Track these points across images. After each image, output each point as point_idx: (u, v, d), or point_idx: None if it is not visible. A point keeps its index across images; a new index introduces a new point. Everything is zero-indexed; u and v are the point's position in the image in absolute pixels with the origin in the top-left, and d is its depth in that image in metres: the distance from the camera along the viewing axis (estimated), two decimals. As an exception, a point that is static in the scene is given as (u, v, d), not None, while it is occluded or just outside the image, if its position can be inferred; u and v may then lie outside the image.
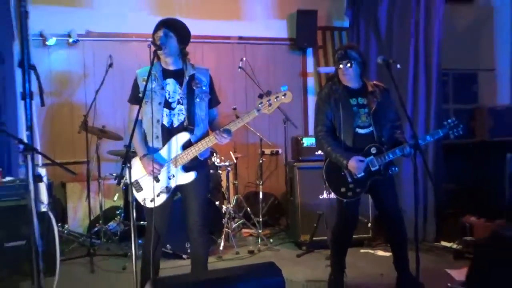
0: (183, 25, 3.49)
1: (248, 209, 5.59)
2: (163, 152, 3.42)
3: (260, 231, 5.38)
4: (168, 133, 3.41)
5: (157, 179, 3.38)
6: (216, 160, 5.24)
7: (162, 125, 3.41)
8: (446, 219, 5.21)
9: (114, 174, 5.23)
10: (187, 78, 3.45)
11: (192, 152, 3.38)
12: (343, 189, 3.78)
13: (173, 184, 3.42)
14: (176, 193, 3.55)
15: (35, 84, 2.82)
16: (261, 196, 5.53)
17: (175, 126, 3.43)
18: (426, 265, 3.87)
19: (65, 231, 5.36)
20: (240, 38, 6.36)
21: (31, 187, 3.01)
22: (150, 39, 3.43)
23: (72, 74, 5.71)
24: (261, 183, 5.53)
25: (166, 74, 3.45)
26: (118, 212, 5.50)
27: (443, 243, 5.04)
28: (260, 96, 3.38)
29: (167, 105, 3.42)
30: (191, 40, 3.53)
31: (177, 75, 3.46)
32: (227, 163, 5.40)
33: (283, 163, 6.10)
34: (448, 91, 5.71)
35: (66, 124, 5.50)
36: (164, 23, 3.43)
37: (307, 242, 5.07)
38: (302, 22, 6.43)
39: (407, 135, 3.91)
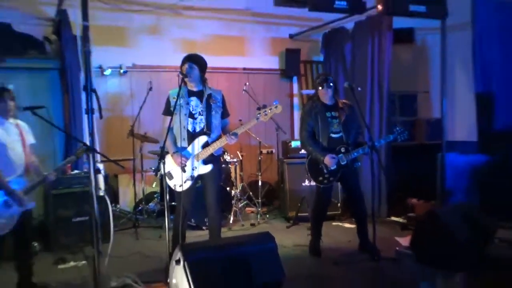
0: (203, 59, 3.49)
1: (251, 193, 5.55)
2: (188, 150, 3.41)
3: (259, 209, 5.34)
4: (192, 136, 3.40)
5: (184, 170, 3.36)
6: (227, 157, 5.21)
7: (188, 131, 3.40)
8: (395, 201, 5.19)
9: (153, 168, 5.19)
10: (206, 96, 3.44)
11: (209, 150, 3.38)
12: (320, 178, 3.76)
13: (196, 173, 3.41)
14: (198, 181, 3.53)
15: (95, 102, 2.81)
16: (260, 183, 5.49)
17: (197, 131, 3.42)
18: (381, 234, 3.83)
19: (117, 210, 5.33)
20: (244, 69, 6.33)
21: (92, 177, 2.99)
22: (179, 70, 3.43)
23: (122, 96, 5.68)
24: (260, 174, 5.49)
25: (190, 93, 3.45)
26: (155, 195, 5.48)
27: (393, 218, 5.02)
28: (258, 109, 3.41)
29: (191, 116, 3.41)
30: (208, 70, 3.53)
31: (199, 94, 3.45)
32: (235, 160, 5.38)
33: (276, 160, 6.07)
34: (395, 107, 5.68)
35: (117, 132, 5.46)
36: (189, 58, 3.43)
37: (293, 217, 5.04)
38: (289, 58, 6.41)
39: (366, 139, 3.89)
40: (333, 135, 3.76)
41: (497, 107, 4.49)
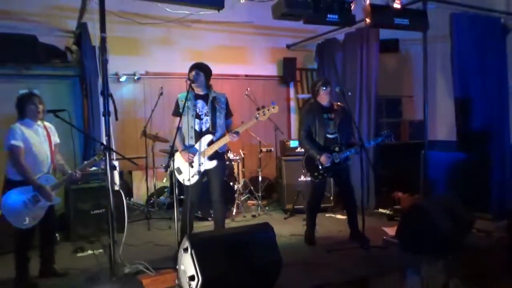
0: (208, 66, 3.49)
1: (252, 187, 5.52)
2: (195, 147, 3.39)
3: (259, 202, 5.31)
4: (199, 135, 3.39)
5: (191, 165, 3.34)
6: (230, 155, 5.19)
7: (195, 130, 3.39)
8: (382, 194, 5.16)
9: (163, 165, 5.13)
10: (211, 98, 3.43)
11: (214, 147, 3.36)
12: (315, 174, 3.74)
13: (202, 168, 3.39)
14: (204, 176, 3.50)
15: (112, 106, 2.79)
16: (260, 179, 5.45)
17: (203, 130, 3.41)
18: (369, 224, 3.81)
19: (131, 203, 5.30)
20: (246, 75, 6.31)
21: (108, 174, 2.98)
22: (187, 76, 3.42)
23: (136, 100, 5.66)
24: (260, 170, 5.46)
25: (197, 97, 3.44)
26: (166, 190, 5.45)
27: (381, 210, 4.98)
28: (258, 109, 3.38)
29: (198, 116, 3.39)
30: (214, 77, 3.52)
31: (204, 97, 3.44)
32: (237, 157, 5.35)
33: (274, 157, 6.04)
34: (383, 110, 5.66)
35: (132, 132, 5.45)
36: (196, 66, 3.44)
37: (290, 209, 5.01)
38: (286, 65, 6.40)
39: (357, 139, 3.88)
40: (329, 136, 3.74)
41: (474, 110, 4.52)
